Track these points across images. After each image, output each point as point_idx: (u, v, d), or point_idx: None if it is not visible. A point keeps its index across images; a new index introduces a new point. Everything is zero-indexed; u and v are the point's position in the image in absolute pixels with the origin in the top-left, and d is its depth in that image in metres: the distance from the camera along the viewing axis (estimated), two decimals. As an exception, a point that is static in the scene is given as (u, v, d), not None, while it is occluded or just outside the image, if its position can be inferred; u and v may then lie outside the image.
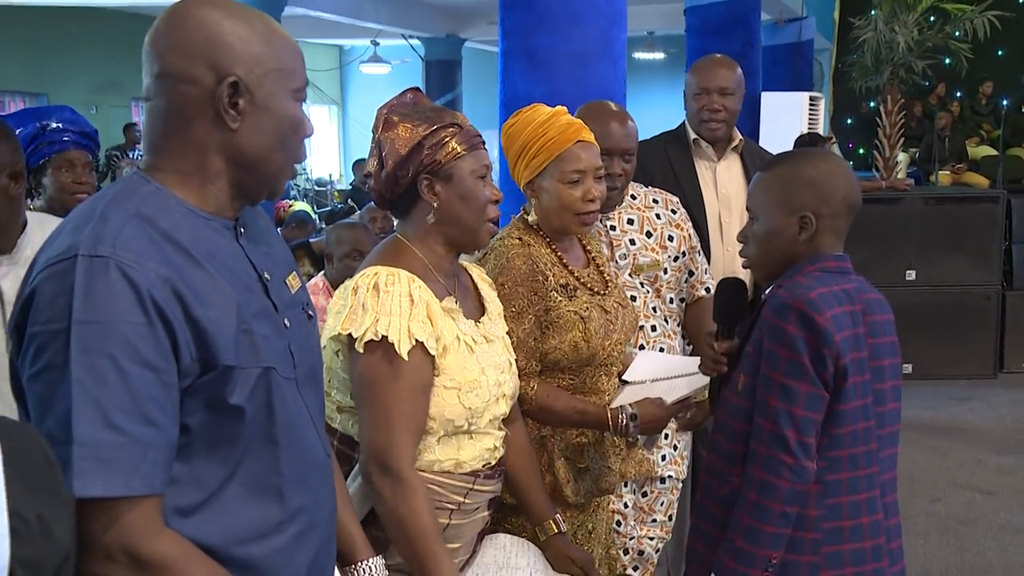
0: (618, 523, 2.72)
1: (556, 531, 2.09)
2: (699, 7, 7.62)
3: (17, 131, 2.70)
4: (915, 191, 7.38)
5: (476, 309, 1.99)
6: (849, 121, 12.36)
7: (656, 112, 14.33)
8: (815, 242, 1.92)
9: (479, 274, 2.10)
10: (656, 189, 2.86)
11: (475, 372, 1.84)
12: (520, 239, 2.25)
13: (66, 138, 2.88)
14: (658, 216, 2.77)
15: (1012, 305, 6.91)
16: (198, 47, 1.29)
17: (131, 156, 11.16)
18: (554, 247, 2.27)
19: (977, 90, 12.36)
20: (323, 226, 7.59)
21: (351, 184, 11.73)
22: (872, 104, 10.82)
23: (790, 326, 1.81)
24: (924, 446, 5.36)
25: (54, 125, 2.84)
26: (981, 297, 6.78)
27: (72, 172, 2.89)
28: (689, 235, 2.83)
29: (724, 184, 3.26)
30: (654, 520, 2.84)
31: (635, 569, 2.85)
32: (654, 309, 2.75)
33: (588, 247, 2.41)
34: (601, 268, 2.39)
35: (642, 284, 2.71)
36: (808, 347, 1.79)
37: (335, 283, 3.45)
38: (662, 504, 2.83)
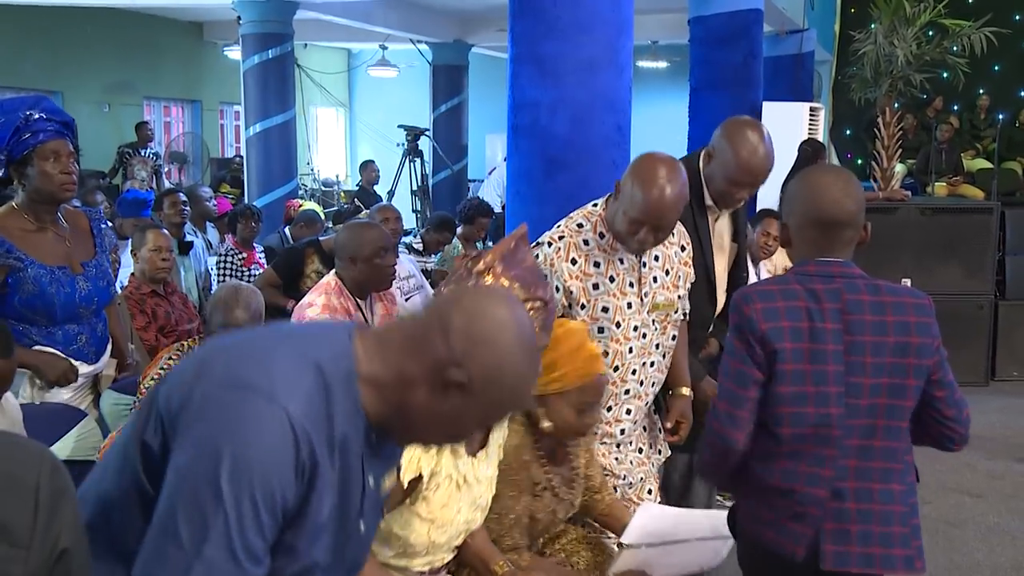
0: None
1: (505, 570, 2.15)
2: (703, 18, 7.66)
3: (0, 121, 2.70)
4: (912, 202, 7.43)
5: (479, 441, 2.07)
6: (848, 132, 12.41)
7: (658, 120, 14.38)
8: (794, 249, 2.14)
9: None
10: None
11: (452, 512, 1.95)
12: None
13: (50, 128, 2.82)
14: (675, 254, 2.87)
15: (1004, 314, 6.97)
16: (469, 339, 1.35)
17: (143, 154, 11.18)
18: (540, 451, 2.38)
19: (975, 104, 12.40)
20: (330, 225, 7.64)
21: (357, 185, 11.77)
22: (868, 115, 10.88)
23: (732, 314, 2.11)
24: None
25: (37, 115, 2.79)
26: (974, 306, 6.83)
27: (58, 162, 2.84)
28: (691, 270, 2.93)
29: (719, 233, 3.27)
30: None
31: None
32: (657, 346, 2.84)
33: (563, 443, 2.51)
34: (574, 466, 2.49)
35: (654, 322, 2.80)
36: (738, 331, 2.06)
37: (357, 284, 3.45)
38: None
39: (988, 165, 11.14)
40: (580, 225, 2.74)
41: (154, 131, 12.38)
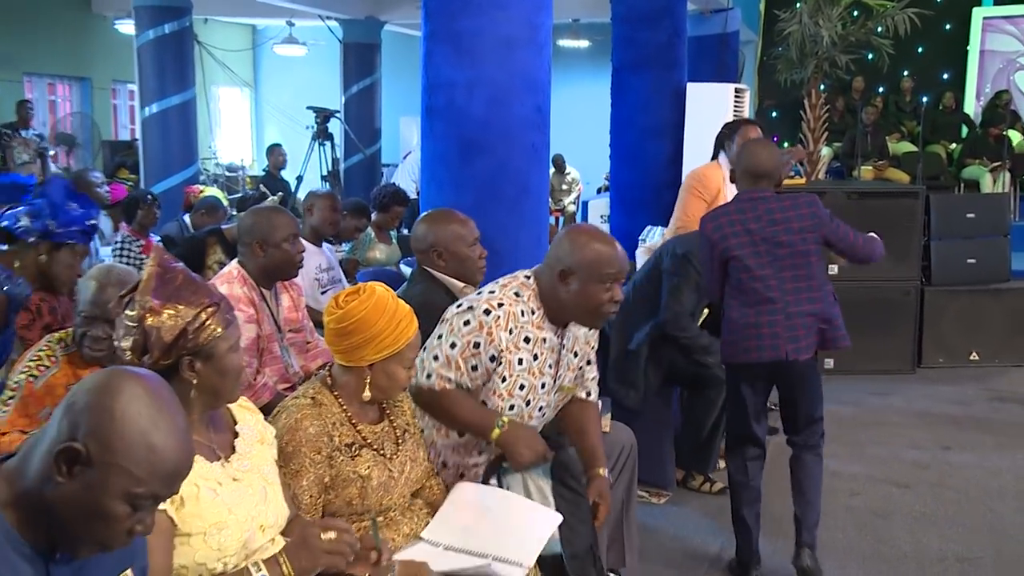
0: None
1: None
2: (626, -5, 7.71)
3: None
4: (837, 185, 7.60)
5: (227, 447, 2.12)
6: (774, 114, 12.65)
7: (580, 102, 14.46)
8: (737, 185, 3.82)
9: (240, 403, 2.23)
10: None
11: (220, 514, 1.98)
12: (313, 399, 2.45)
13: (89, 234, 3.37)
14: (584, 335, 2.99)
15: (930, 300, 7.14)
16: (80, 412, 1.44)
17: (23, 135, 10.79)
18: (345, 407, 2.47)
19: (899, 86, 12.73)
20: (235, 212, 7.49)
21: (264, 170, 11.57)
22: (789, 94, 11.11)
23: (699, 232, 3.81)
24: (845, 441, 5.53)
25: (94, 222, 3.38)
26: (900, 292, 6.99)
27: (78, 263, 3.28)
28: (593, 348, 3.06)
29: None
30: None
31: None
32: (546, 423, 2.98)
33: (385, 405, 2.59)
34: (395, 423, 2.58)
35: (556, 404, 2.97)
36: (702, 235, 3.76)
37: (265, 272, 3.43)
38: None
39: (913, 148, 11.47)
40: (517, 294, 2.77)
41: (35, 110, 11.93)
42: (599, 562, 2.81)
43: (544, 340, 2.80)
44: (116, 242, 6.01)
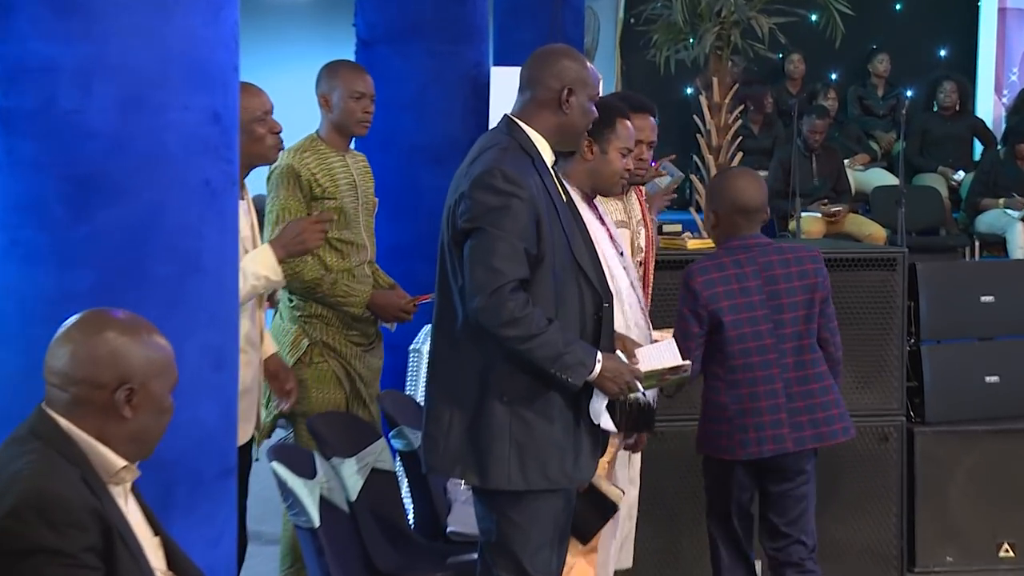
0: None
1: None
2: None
3: None
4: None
5: None
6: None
7: (302, 98, 14.50)
8: (719, 231, 5.48)
9: None
10: None
11: None
12: None
13: None
14: None
15: (925, 452, 7.28)
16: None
17: None
18: None
19: (865, 71, 13.33)
20: None
21: None
22: (688, 91, 11.53)
23: (681, 286, 5.37)
24: None
25: None
26: (874, 438, 7.07)
27: None
28: None
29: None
30: None
31: None
32: None
33: None
34: None
35: None
36: (685, 299, 5.32)
37: None
38: None
39: (891, 180, 11.91)
40: None
41: None
42: None
43: None
44: None
